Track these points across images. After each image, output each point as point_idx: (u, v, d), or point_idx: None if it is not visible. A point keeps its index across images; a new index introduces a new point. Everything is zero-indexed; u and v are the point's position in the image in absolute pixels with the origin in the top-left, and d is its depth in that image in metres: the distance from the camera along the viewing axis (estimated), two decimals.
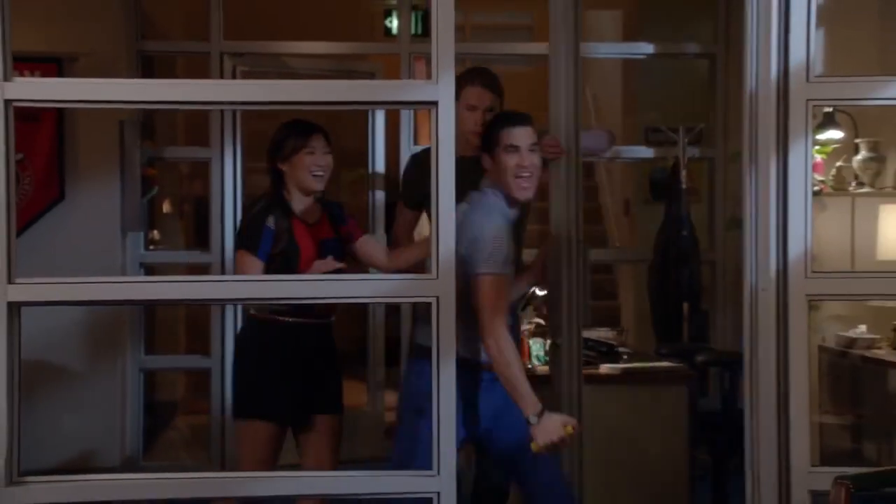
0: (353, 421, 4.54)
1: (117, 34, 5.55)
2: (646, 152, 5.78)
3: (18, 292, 2.75)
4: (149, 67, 5.84)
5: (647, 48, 5.78)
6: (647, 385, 4.22)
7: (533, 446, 3.01)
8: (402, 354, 5.78)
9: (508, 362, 3.02)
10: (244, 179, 5.76)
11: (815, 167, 5.18)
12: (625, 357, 4.40)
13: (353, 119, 6.34)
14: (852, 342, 5.30)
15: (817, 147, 5.48)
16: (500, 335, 3.03)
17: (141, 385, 5.70)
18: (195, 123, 6.87)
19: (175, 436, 6.59)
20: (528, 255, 4.09)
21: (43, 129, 5.45)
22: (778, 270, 2.98)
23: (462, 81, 3.63)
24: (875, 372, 5.28)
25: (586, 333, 4.17)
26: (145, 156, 5.63)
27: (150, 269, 5.89)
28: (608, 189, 8.67)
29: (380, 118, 6.02)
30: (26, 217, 5.31)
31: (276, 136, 3.59)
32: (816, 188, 5.19)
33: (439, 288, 2.80)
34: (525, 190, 3.18)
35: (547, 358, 4.27)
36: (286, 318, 3.52)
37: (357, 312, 6.13)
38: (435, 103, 2.79)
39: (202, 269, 5.78)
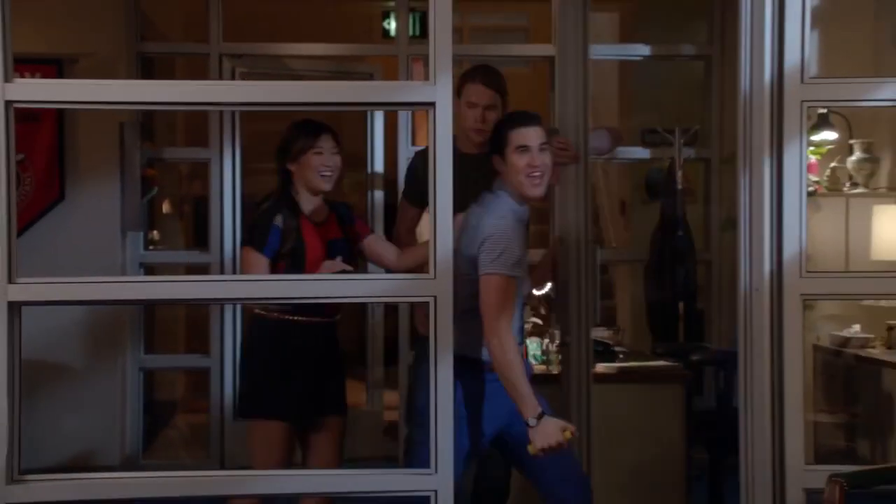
0: (353, 420, 4.54)
1: (117, 36, 5.57)
2: (642, 153, 5.78)
3: (19, 292, 2.76)
4: (148, 69, 5.85)
5: (643, 50, 5.79)
6: (644, 384, 4.23)
7: (530, 448, 3.01)
8: (400, 354, 5.82)
9: (511, 364, 3.01)
10: (243, 180, 5.78)
11: (809, 168, 5.17)
12: (621, 356, 4.43)
13: (352, 120, 6.36)
14: (846, 341, 5.33)
15: (812, 148, 5.52)
16: (504, 336, 3.02)
17: (141, 384, 5.72)
18: (194, 124, 6.90)
19: (174, 435, 6.59)
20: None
21: (43, 130, 5.46)
22: (772, 270, 3.00)
23: (464, 79, 3.66)
24: (869, 371, 5.31)
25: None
26: (145, 156, 5.64)
27: (149, 269, 5.91)
28: (605, 190, 8.69)
29: (379, 119, 6.04)
30: (27, 217, 5.33)
31: (286, 136, 3.58)
32: (811, 189, 5.22)
33: (437, 288, 2.82)
34: (537, 187, 3.15)
35: (544, 357, 4.30)
36: (293, 317, 3.51)
37: (356, 312, 6.16)
38: (432, 104, 2.80)
39: (202, 269, 5.80)
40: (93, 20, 5.57)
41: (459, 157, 3.55)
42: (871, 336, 5.32)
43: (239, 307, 5.62)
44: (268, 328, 3.55)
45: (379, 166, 6.00)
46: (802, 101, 2.96)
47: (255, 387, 3.59)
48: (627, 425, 4.10)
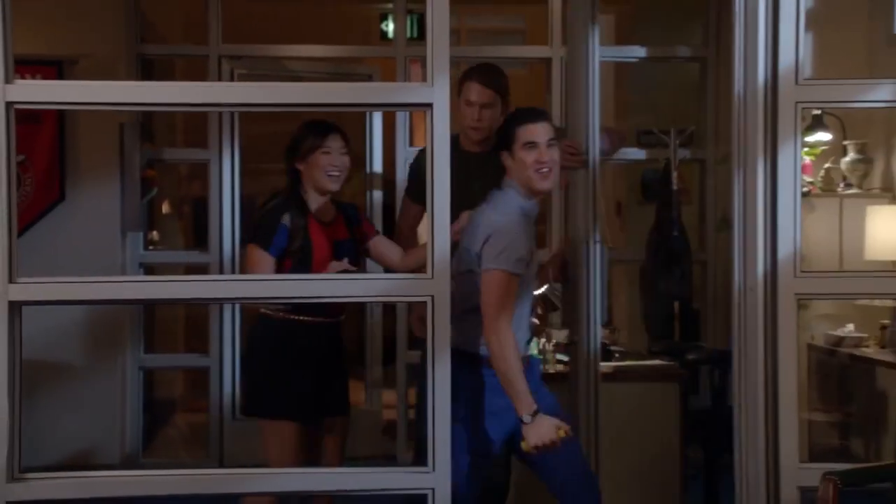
0: (352, 419, 4.56)
1: (117, 37, 5.59)
2: (637, 154, 5.80)
3: (19, 291, 2.79)
4: (148, 70, 5.87)
5: (639, 52, 5.81)
6: (640, 383, 4.23)
7: (523, 445, 3.02)
8: (398, 353, 5.85)
9: (508, 361, 3.01)
10: (242, 180, 5.80)
11: (803, 168, 5.21)
12: (617, 355, 4.43)
13: (351, 121, 6.39)
14: (840, 341, 5.33)
15: (806, 149, 5.53)
16: (503, 333, 3.02)
17: (140, 383, 5.74)
18: (194, 125, 6.90)
19: (174, 433, 6.60)
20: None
21: (44, 131, 5.48)
22: (766, 270, 3.02)
23: (463, 77, 3.69)
24: (862, 370, 5.33)
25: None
26: (145, 157, 5.67)
27: (149, 269, 5.92)
28: (600, 190, 8.70)
29: (377, 120, 6.05)
30: (27, 218, 5.35)
31: (295, 136, 3.58)
32: (805, 189, 5.21)
33: (434, 287, 2.84)
34: (545, 180, 3.14)
35: (541, 357, 4.32)
36: (298, 317, 3.51)
37: (355, 311, 6.17)
38: (430, 105, 2.83)
39: (201, 269, 5.82)
40: (93, 22, 5.59)
41: (464, 156, 3.59)
42: (865, 335, 5.32)
43: (238, 307, 5.64)
44: (273, 327, 3.55)
45: (378, 166, 6.02)
46: (797, 102, 2.98)
47: (260, 385, 3.59)
48: (624, 424, 4.10)
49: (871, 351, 5.24)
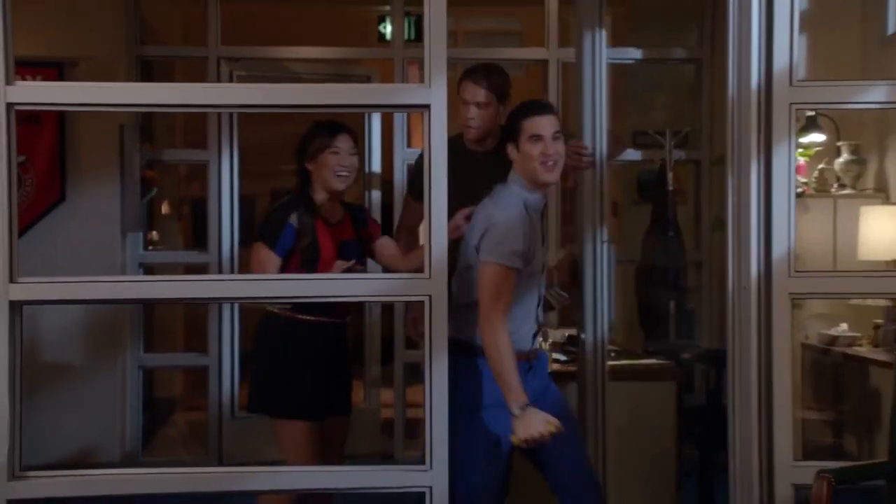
0: (350, 418, 4.59)
1: (117, 39, 5.61)
2: (633, 155, 5.78)
3: (20, 291, 2.81)
4: (148, 72, 5.89)
5: (635, 53, 5.81)
6: (636, 381, 4.22)
7: (513, 438, 3.00)
8: (396, 353, 5.88)
9: (499, 354, 2.98)
10: (241, 181, 5.82)
11: (797, 169, 5.22)
12: (613, 354, 4.46)
13: (350, 122, 6.40)
14: (834, 340, 5.37)
15: (800, 150, 5.56)
16: (496, 326, 3.00)
17: (140, 382, 5.76)
18: (193, 127, 6.92)
19: (173, 432, 6.61)
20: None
21: (44, 132, 5.49)
22: (760, 270, 3.03)
23: (462, 76, 3.73)
24: (856, 369, 5.35)
25: (574, 331, 4.22)
26: (144, 158, 5.68)
27: (149, 269, 5.95)
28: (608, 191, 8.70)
29: (376, 121, 6.07)
30: (28, 218, 5.37)
31: (305, 136, 3.58)
32: (799, 190, 5.25)
33: (432, 287, 2.86)
34: (550, 172, 3.11)
35: None
36: (304, 316, 3.51)
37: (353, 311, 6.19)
38: (427, 106, 2.85)
39: (200, 269, 5.84)
40: (93, 24, 5.61)
41: (468, 154, 3.62)
42: (858, 335, 5.35)
43: (237, 306, 5.66)
44: (280, 326, 3.54)
45: (376, 167, 6.04)
46: (791, 103, 2.99)
47: (266, 383, 3.59)
48: (620, 422, 4.13)
49: (864, 350, 5.27)
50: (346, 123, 3.63)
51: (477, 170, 3.51)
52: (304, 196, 3.56)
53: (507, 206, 3.11)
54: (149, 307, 6.11)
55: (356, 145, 3.59)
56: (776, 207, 3.00)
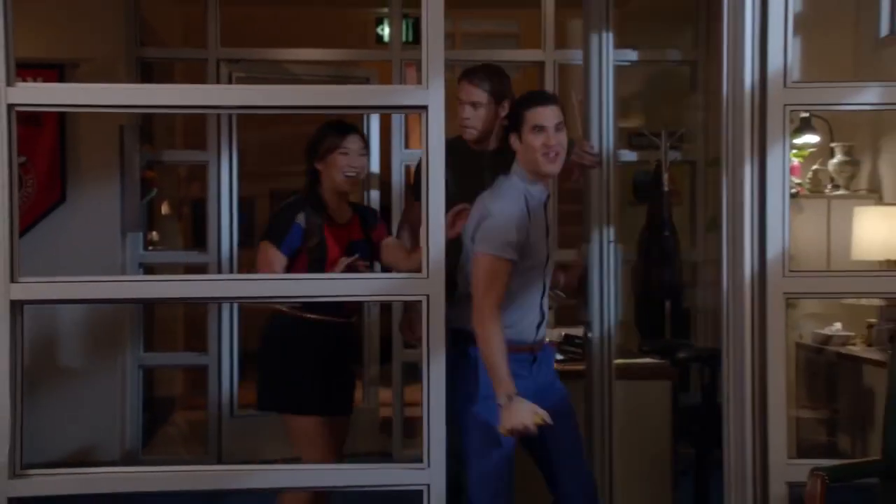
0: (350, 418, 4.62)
1: (117, 41, 5.62)
2: (629, 156, 5.78)
3: (21, 291, 2.83)
4: (148, 73, 5.90)
5: (630, 55, 5.78)
6: (631, 380, 4.17)
7: (500, 429, 2.98)
8: (394, 352, 5.90)
9: (490, 343, 2.96)
10: (240, 182, 5.84)
11: (792, 170, 5.25)
12: None
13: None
14: (828, 339, 5.38)
15: (794, 151, 5.58)
16: (486, 316, 2.97)
17: (140, 381, 5.77)
18: (193, 127, 6.92)
19: (173, 431, 6.63)
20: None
21: (45, 133, 5.51)
22: (755, 270, 3.03)
23: (460, 76, 3.76)
24: (849, 368, 5.37)
25: (571, 331, 4.25)
26: (144, 159, 5.69)
27: (149, 269, 5.96)
28: (614, 190, 8.70)
29: (374, 122, 6.08)
30: (29, 219, 5.38)
31: (315, 136, 3.57)
32: (793, 190, 5.27)
33: (429, 287, 2.89)
34: (552, 163, 3.09)
35: None
36: (310, 315, 3.50)
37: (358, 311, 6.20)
38: (425, 108, 2.87)
39: (200, 269, 5.85)
40: (93, 26, 5.62)
41: (470, 153, 3.64)
42: (852, 334, 5.36)
43: (236, 306, 5.68)
44: (286, 325, 3.54)
45: (375, 167, 6.05)
46: (785, 104, 2.99)
47: (274, 381, 3.58)
48: (616, 421, 4.16)
49: (857, 349, 5.28)
50: (354, 124, 3.62)
51: (479, 170, 3.51)
52: (313, 196, 3.56)
53: (504, 197, 3.10)
54: (149, 307, 6.12)
55: (365, 146, 3.60)
56: (770, 208, 3.01)
